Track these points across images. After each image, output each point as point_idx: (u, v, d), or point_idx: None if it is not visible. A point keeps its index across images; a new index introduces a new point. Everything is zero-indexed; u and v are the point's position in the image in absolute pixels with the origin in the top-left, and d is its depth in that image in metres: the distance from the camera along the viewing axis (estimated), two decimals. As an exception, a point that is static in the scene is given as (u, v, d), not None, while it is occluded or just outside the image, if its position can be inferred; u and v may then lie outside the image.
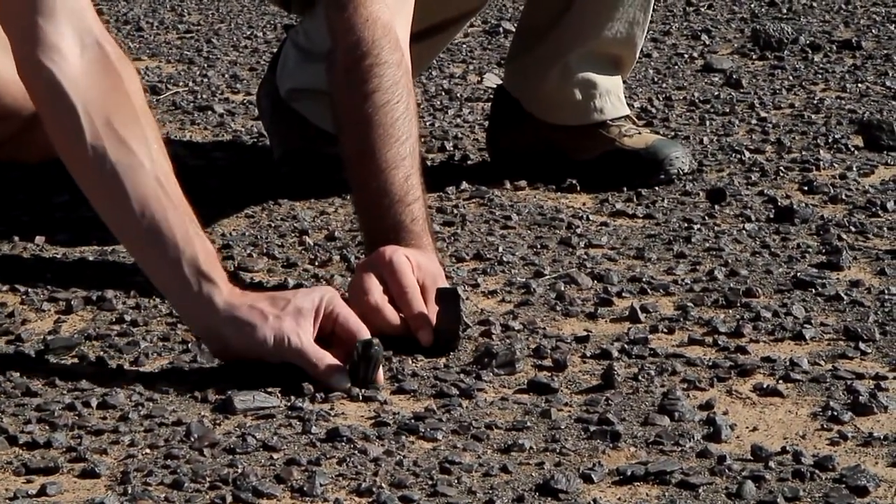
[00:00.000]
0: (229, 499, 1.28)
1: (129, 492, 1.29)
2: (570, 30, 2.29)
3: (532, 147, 2.37)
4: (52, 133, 1.58)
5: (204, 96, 2.96)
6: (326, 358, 1.51)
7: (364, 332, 1.54)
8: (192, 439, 1.40)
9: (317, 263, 1.95)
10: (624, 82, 2.39)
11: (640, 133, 2.31)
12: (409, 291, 1.63)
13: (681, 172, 2.29)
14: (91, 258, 1.95)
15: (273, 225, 2.12)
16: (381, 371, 1.53)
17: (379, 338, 1.54)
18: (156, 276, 1.57)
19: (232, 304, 1.52)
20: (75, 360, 1.61)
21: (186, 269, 1.52)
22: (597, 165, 2.30)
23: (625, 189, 2.27)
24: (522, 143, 2.38)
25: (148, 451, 1.38)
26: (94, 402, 1.48)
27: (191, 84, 3.08)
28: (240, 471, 1.33)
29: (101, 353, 1.63)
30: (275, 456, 1.37)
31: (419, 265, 1.66)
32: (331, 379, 1.50)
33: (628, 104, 2.42)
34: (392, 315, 1.63)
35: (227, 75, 3.18)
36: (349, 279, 1.88)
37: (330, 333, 1.54)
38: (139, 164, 1.54)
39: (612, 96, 2.31)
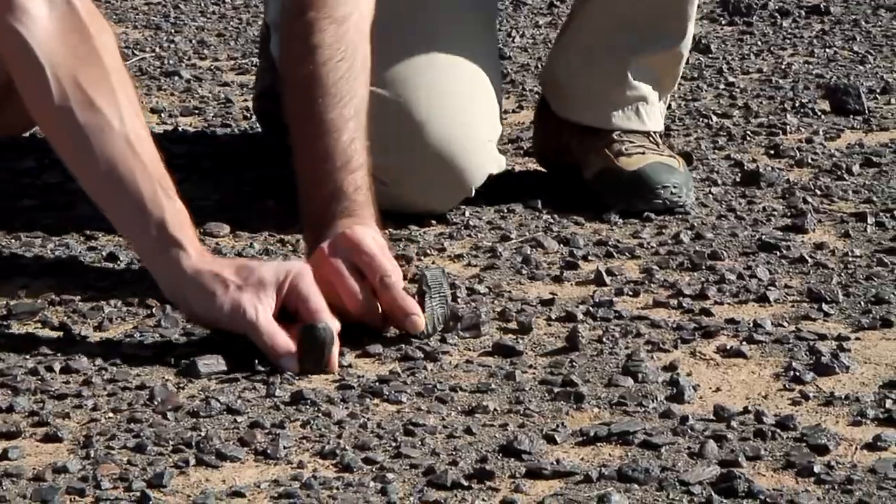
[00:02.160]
0: (192, 462, 1.28)
1: (92, 455, 1.29)
2: (594, 12, 2.06)
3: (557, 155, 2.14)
4: (23, 95, 1.56)
5: (171, 62, 2.95)
6: (278, 336, 1.46)
7: (322, 314, 1.47)
8: (156, 403, 1.39)
9: (281, 228, 1.94)
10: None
11: (643, 153, 2.03)
12: (393, 275, 1.53)
13: (671, 204, 1.99)
14: (54, 223, 1.94)
15: (239, 189, 2.12)
16: (333, 356, 1.46)
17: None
18: (126, 237, 1.56)
19: (197, 270, 1.49)
20: (38, 326, 1.60)
21: (154, 231, 1.50)
22: (594, 185, 2.06)
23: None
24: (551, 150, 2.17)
25: (111, 415, 1.38)
26: (56, 367, 1.47)
27: (157, 50, 3.06)
28: (203, 434, 1.33)
29: (65, 318, 1.62)
30: (238, 419, 1.37)
31: (381, 246, 1.56)
32: (280, 359, 1.46)
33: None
34: (376, 306, 1.54)
35: (194, 41, 3.17)
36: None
37: (295, 311, 1.49)
38: (107, 125, 1.52)
39: (641, 106, 2.07)
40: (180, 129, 2.45)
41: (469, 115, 1.94)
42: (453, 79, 1.95)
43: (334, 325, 1.48)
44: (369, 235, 1.55)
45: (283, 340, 1.46)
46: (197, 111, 2.57)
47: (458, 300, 1.69)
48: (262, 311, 1.47)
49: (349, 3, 1.67)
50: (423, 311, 1.54)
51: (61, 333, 1.58)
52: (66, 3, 1.55)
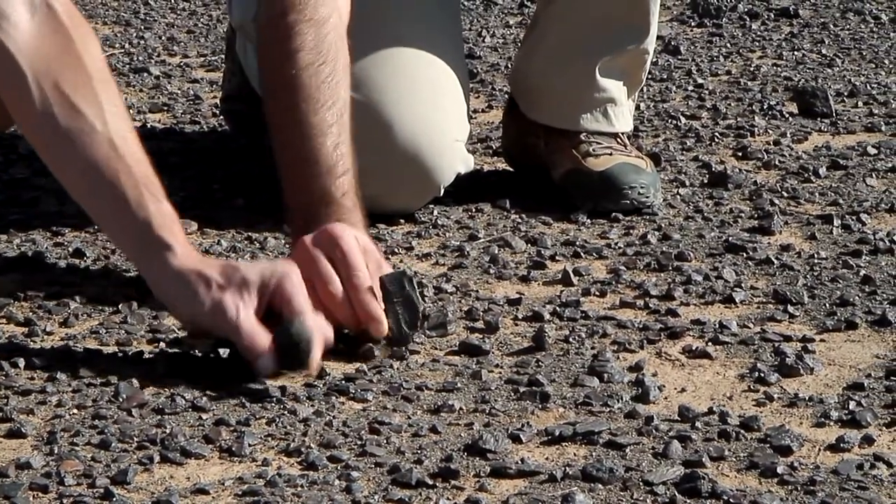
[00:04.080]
0: (157, 459, 1.28)
1: (56, 452, 1.28)
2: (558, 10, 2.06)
3: (525, 155, 2.14)
4: (5, 100, 1.54)
5: (140, 58, 2.94)
6: (258, 338, 1.43)
7: (305, 318, 1.44)
8: (121, 400, 1.39)
9: (249, 225, 1.94)
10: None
11: (610, 154, 2.04)
12: (362, 276, 1.50)
13: (639, 204, 2.00)
14: (19, 217, 1.94)
15: (207, 186, 2.11)
16: (314, 356, 1.43)
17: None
18: (113, 240, 1.55)
19: (181, 269, 1.46)
20: (3, 321, 1.60)
21: (139, 234, 1.47)
22: (562, 185, 2.06)
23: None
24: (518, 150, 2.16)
25: (75, 411, 1.37)
26: (21, 363, 1.46)
27: (127, 46, 3.05)
28: (168, 431, 1.33)
29: (30, 313, 1.62)
30: (203, 416, 1.37)
31: (364, 246, 1.55)
32: (256, 361, 1.42)
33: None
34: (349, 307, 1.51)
35: (163, 38, 3.16)
36: (281, 240, 1.88)
37: (280, 312, 1.46)
38: (90, 128, 1.49)
39: (608, 107, 2.07)
40: (149, 125, 2.45)
41: (437, 114, 1.94)
42: (420, 79, 1.95)
43: (322, 327, 1.45)
44: (351, 233, 1.54)
45: (263, 341, 1.43)
46: (166, 108, 2.56)
47: (426, 299, 1.69)
48: (243, 310, 1.43)
49: (328, 5, 1.65)
50: (388, 316, 1.50)
51: (26, 329, 1.57)
52: (46, 7, 1.52)
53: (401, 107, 1.91)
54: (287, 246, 1.85)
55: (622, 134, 2.08)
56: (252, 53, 2.05)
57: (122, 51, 3.01)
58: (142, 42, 3.10)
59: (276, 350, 1.43)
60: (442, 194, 1.96)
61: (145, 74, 2.79)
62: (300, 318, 1.44)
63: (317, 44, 1.62)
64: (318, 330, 1.45)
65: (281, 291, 1.45)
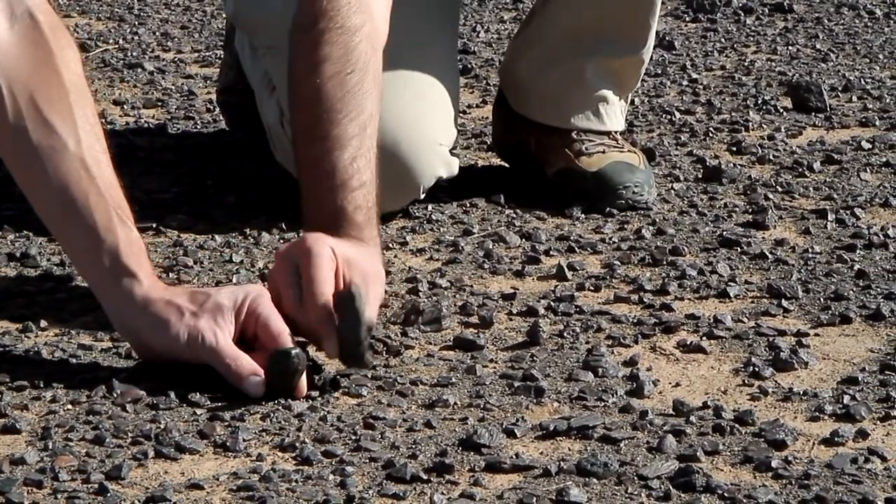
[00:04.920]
0: (151, 454, 1.28)
1: (50, 447, 1.28)
2: (553, 14, 2.04)
3: (517, 150, 2.13)
4: None
5: (134, 54, 2.93)
6: (242, 360, 1.38)
7: (285, 339, 1.40)
8: (115, 395, 1.39)
9: (244, 221, 1.94)
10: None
11: (603, 152, 2.03)
12: (316, 290, 1.43)
13: (633, 203, 2.00)
14: (13, 213, 1.93)
15: (201, 182, 2.11)
16: (303, 381, 1.39)
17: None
18: (76, 263, 1.48)
19: (149, 299, 1.41)
20: (-3, 317, 1.60)
21: (105, 259, 1.42)
22: (556, 182, 2.05)
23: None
24: (509, 143, 2.15)
25: (70, 406, 1.37)
26: (15, 358, 1.46)
27: (121, 41, 3.05)
28: (162, 426, 1.33)
29: (24, 309, 1.62)
30: (198, 411, 1.36)
31: (348, 260, 1.48)
32: (244, 383, 1.37)
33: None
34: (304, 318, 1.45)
35: (157, 33, 3.15)
36: (276, 235, 1.88)
37: (254, 336, 1.42)
38: (62, 146, 1.43)
39: (602, 106, 2.06)
40: (142, 121, 2.44)
41: (419, 117, 1.92)
42: (405, 82, 1.92)
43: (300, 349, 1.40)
44: (325, 245, 1.47)
45: (248, 363, 1.38)
46: (160, 103, 2.56)
47: (420, 294, 1.69)
48: (221, 335, 1.39)
49: (363, 13, 1.60)
50: (338, 334, 1.41)
51: (20, 325, 1.57)
52: (28, 18, 1.47)
53: (382, 109, 1.87)
54: (281, 242, 1.85)
55: (615, 132, 2.08)
56: (249, 51, 2.05)
57: (116, 46, 3.00)
58: (136, 37, 3.09)
59: (270, 375, 1.38)
60: (422, 197, 1.95)
61: (139, 70, 2.79)
62: (288, 341, 1.39)
63: (345, 52, 1.57)
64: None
65: (256, 315, 1.41)
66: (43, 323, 1.57)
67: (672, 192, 2.09)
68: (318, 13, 1.59)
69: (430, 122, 1.94)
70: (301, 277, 1.45)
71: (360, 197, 1.53)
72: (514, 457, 1.28)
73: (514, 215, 1.99)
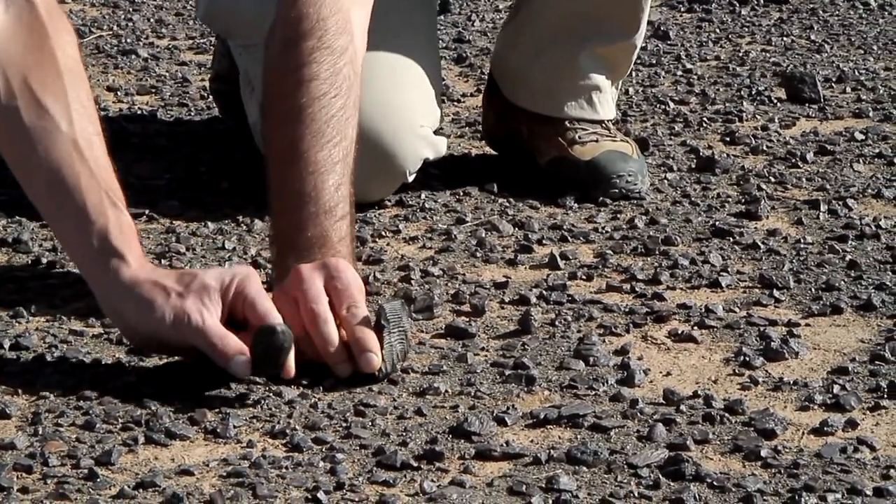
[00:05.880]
0: (141, 440, 1.28)
1: (40, 433, 1.28)
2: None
3: (509, 139, 2.12)
4: None
5: (128, 40, 2.93)
6: (229, 340, 1.36)
7: (272, 317, 1.38)
8: (106, 381, 1.39)
9: (237, 208, 1.94)
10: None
11: (597, 141, 2.03)
12: (360, 308, 1.42)
13: (627, 192, 1.99)
14: (5, 199, 1.93)
15: (194, 169, 2.11)
16: (290, 361, 1.37)
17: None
18: (65, 245, 1.47)
19: (136, 280, 1.39)
20: (-11, 302, 1.60)
21: (94, 241, 1.40)
22: (549, 171, 2.04)
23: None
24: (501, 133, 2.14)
25: (60, 392, 1.37)
26: (6, 344, 1.46)
27: (115, 28, 3.04)
28: (153, 412, 1.33)
29: (15, 295, 1.61)
30: (188, 398, 1.36)
31: (360, 288, 1.45)
32: (230, 363, 1.35)
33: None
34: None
35: (152, 20, 3.15)
36: (269, 224, 1.88)
37: (243, 318, 1.40)
38: (54, 128, 1.43)
39: (592, 94, 2.05)
40: (136, 107, 2.44)
41: (398, 101, 1.90)
42: (382, 66, 1.90)
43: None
44: (352, 270, 1.45)
45: (234, 342, 1.36)
46: (154, 90, 2.55)
47: (412, 282, 1.69)
48: (208, 315, 1.37)
49: (346, 35, 1.57)
50: (382, 348, 1.41)
51: (11, 310, 1.57)
52: (25, 1, 1.47)
53: (361, 94, 1.84)
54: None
55: (607, 120, 2.08)
56: (243, 53, 2.03)
57: (111, 32, 3.00)
58: (130, 24, 3.09)
59: (255, 353, 1.36)
60: (410, 181, 1.94)
61: (133, 56, 2.78)
62: (281, 323, 1.37)
63: (332, 74, 1.54)
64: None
65: (243, 295, 1.39)
66: (34, 308, 1.57)
67: (665, 181, 2.09)
68: (306, 31, 1.55)
69: (410, 104, 1.92)
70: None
71: (344, 228, 1.49)
72: (504, 445, 1.29)
73: (507, 204, 1.99)
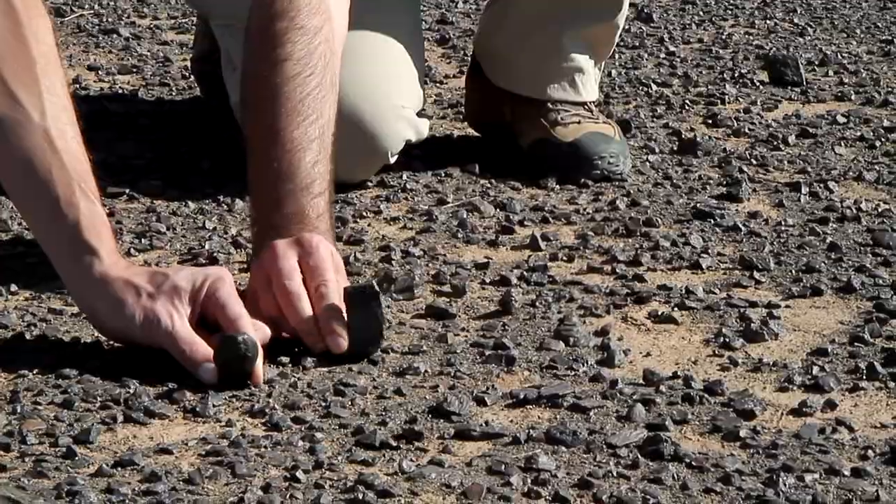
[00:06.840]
0: (120, 419, 1.28)
1: (19, 411, 1.28)
2: None
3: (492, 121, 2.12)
4: None
5: (110, 20, 2.92)
6: (197, 346, 1.35)
7: (242, 323, 1.36)
8: (84, 359, 1.38)
9: (218, 188, 1.93)
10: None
11: (579, 123, 2.04)
12: (330, 286, 1.41)
13: (609, 173, 2.00)
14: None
15: (175, 149, 2.10)
16: (257, 369, 1.34)
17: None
18: (37, 237, 1.45)
19: (107, 278, 1.37)
20: (-32, 281, 1.59)
21: (65, 234, 1.38)
22: (531, 153, 2.05)
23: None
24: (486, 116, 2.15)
25: (38, 370, 1.36)
26: (-16, 322, 1.46)
27: (96, 7, 3.03)
28: (132, 391, 1.33)
29: (-5, 273, 1.61)
30: (168, 377, 1.36)
31: (337, 266, 1.46)
32: (198, 370, 1.34)
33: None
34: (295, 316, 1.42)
35: (134, -1, 3.14)
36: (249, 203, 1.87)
37: (214, 320, 1.38)
38: (25, 118, 1.39)
39: (577, 76, 2.05)
40: (117, 87, 2.43)
41: (381, 81, 1.90)
42: (364, 47, 1.89)
43: (261, 333, 1.38)
44: (327, 246, 1.46)
45: (203, 349, 1.35)
46: (135, 69, 2.54)
47: (393, 262, 1.69)
48: (177, 318, 1.35)
49: (321, 14, 1.57)
50: (351, 329, 1.40)
51: (-10, 289, 1.56)
52: None
53: (342, 76, 1.84)
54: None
55: (590, 102, 2.08)
56: (224, 32, 2.02)
57: (92, 12, 2.98)
58: (111, 3, 3.07)
59: (218, 363, 1.34)
60: (392, 162, 1.94)
61: (115, 36, 2.77)
62: (241, 327, 1.36)
63: (306, 54, 1.54)
64: (261, 338, 1.37)
65: (214, 298, 1.38)
66: (13, 287, 1.57)
67: (647, 163, 2.09)
68: (278, 13, 1.55)
69: (392, 86, 1.92)
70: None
71: (322, 204, 1.49)
72: (483, 424, 1.29)
73: (489, 185, 1.99)
